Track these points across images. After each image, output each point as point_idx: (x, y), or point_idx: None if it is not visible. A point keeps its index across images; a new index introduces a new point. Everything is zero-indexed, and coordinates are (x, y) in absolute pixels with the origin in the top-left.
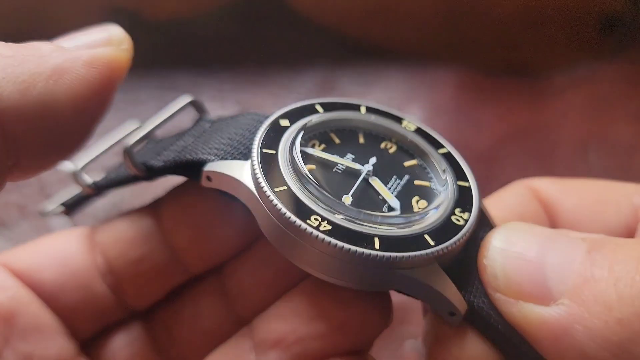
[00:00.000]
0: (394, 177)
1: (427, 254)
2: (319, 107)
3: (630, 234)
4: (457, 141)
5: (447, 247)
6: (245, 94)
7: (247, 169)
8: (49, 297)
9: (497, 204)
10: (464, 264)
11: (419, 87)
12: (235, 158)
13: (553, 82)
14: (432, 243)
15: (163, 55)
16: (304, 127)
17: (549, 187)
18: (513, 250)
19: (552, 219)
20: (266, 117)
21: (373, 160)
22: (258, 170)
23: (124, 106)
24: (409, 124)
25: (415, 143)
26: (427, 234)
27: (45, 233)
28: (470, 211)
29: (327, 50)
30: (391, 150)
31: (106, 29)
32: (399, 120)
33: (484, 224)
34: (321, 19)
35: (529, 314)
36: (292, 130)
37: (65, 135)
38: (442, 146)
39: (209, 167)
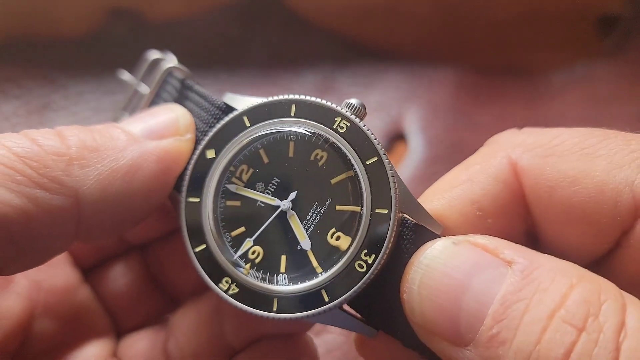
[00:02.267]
0: (315, 204)
1: (322, 310)
2: (246, 120)
3: (624, 230)
4: (455, 141)
5: (343, 299)
6: (245, 95)
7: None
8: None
9: (464, 188)
10: (388, 280)
11: (418, 88)
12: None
13: (551, 82)
14: (326, 299)
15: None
16: (226, 170)
17: (536, 169)
18: (430, 289)
19: (538, 211)
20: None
21: (293, 195)
22: (183, 226)
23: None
24: (343, 122)
25: (344, 154)
26: (324, 288)
27: None
28: (378, 253)
29: (327, 51)
30: (321, 162)
31: (172, 109)
32: (332, 116)
33: (421, 231)
34: (321, 21)
35: (443, 349)
36: (217, 169)
37: (131, 219)
38: (372, 155)
39: None
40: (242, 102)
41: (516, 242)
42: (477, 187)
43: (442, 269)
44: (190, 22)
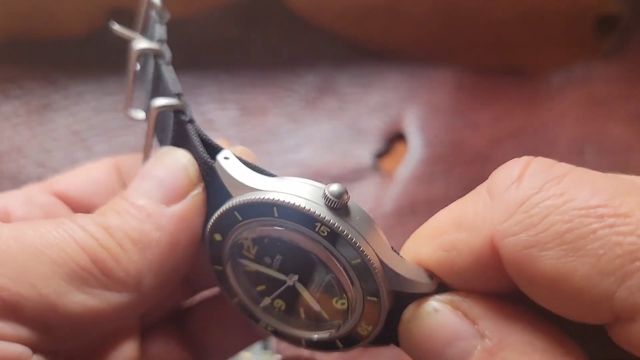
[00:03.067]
0: (319, 274)
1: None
2: (237, 215)
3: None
4: (455, 141)
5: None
6: (245, 96)
7: None
8: (79, 209)
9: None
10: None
11: (417, 88)
12: None
13: (549, 83)
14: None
15: None
16: (233, 246)
17: (518, 264)
18: (412, 347)
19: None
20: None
21: (295, 277)
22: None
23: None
24: (322, 228)
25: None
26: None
27: None
28: (375, 325)
29: (327, 51)
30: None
31: (176, 157)
32: (312, 221)
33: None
34: (321, 21)
35: None
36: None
37: (175, 285)
38: (355, 257)
39: None
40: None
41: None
42: (460, 260)
43: (422, 334)
44: (189, 22)
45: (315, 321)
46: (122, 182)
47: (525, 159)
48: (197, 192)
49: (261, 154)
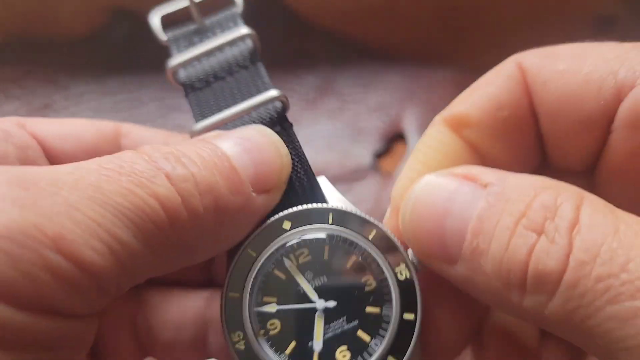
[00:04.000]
0: (343, 318)
1: None
2: (285, 225)
3: (609, 117)
4: None
5: None
6: None
7: None
8: (53, 159)
9: (484, 90)
10: None
11: (418, 88)
12: None
13: None
14: None
15: (164, 56)
16: (284, 246)
17: (536, 67)
18: (419, 217)
19: (537, 103)
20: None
21: (332, 303)
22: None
23: (125, 107)
24: (403, 270)
25: (390, 292)
26: None
27: None
28: None
29: (327, 51)
30: (367, 288)
31: (279, 149)
32: (397, 260)
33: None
34: (321, 21)
35: (441, 269)
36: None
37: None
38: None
39: None
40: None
41: (526, 150)
42: (493, 86)
43: (426, 199)
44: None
45: None
46: (117, 148)
47: None
48: (279, 193)
49: None
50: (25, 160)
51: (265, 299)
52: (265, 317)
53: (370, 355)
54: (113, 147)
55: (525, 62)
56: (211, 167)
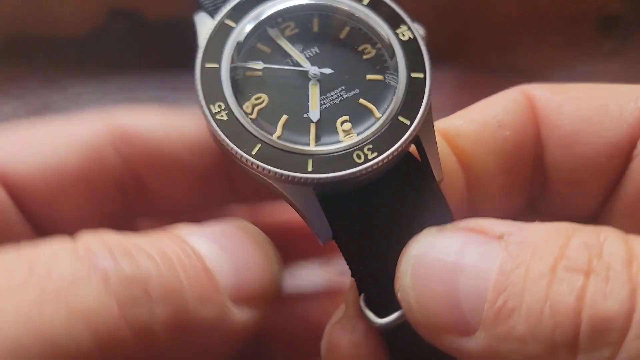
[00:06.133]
0: (342, 87)
1: (302, 178)
2: None
3: (632, 142)
4: None
5: (326, 177)
6: None
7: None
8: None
9: (485, 109)
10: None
11: None
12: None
13: (551, 82)
14: (309, 169)
15: (163, 55)
16: (271, 19)
17: (547, 95)
18: (423, 278)
19: (547, 131)
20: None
21: (327, 70)
22: (200, 94)
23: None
24: (405, 32)
25: (395, 61)
26: (312, 158)
27: None
28: (381, 153)
29: None
30: (365, 57)
31: (267, 253)
32: (397, 23)
33: (424, 178)
34: None
35: (453, 345)
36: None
37: None
38: (420, 70)
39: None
40: None
41: (520, 180)
42: (496, 105)
43: (431, 255)
44: (190, 22)
45: (292, 134)
46: (114, 164)
47: None
48: (268, 308)
49: None
50: None
51: (250, 64)
52: (250, 83)
53: (374, 123)
54: (108, 163)
55: (533, 91)
56: (175, 267)
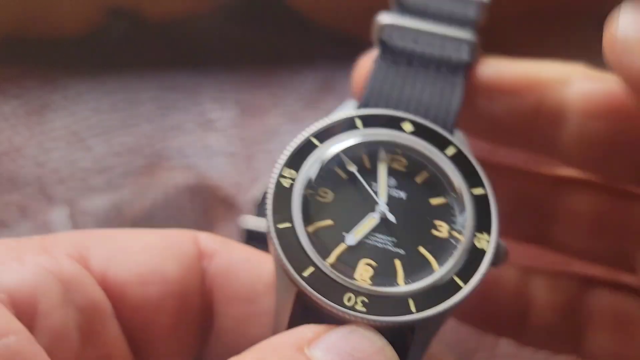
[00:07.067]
0: (392, 240)
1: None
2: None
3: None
4: None
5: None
6: (245, 95)
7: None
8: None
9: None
10: None
11: None
12: None
13: None
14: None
15: (163, 55)
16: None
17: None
18: None
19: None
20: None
21: (393, 219)
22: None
23: (123, 106)
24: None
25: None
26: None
27: (45, 233)
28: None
29: (328, 50)
30: (434, 232)
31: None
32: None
33: None
34: (321, 19)
35: None
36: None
37: None
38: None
39: None
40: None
41: None
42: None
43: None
44: (190, 21)
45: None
46: (199, 280)
47: None
48: None
49: (261, 154)
50: (86, 330)
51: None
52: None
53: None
54: (196, 279)
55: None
56: None
